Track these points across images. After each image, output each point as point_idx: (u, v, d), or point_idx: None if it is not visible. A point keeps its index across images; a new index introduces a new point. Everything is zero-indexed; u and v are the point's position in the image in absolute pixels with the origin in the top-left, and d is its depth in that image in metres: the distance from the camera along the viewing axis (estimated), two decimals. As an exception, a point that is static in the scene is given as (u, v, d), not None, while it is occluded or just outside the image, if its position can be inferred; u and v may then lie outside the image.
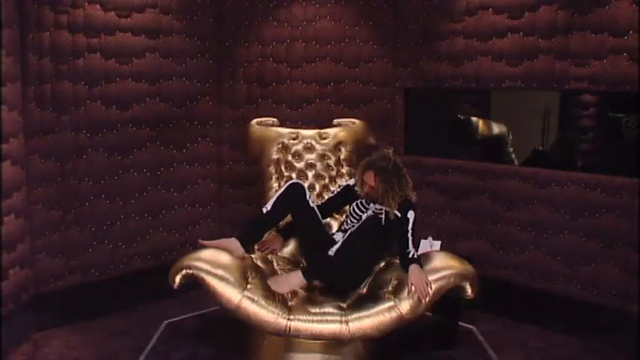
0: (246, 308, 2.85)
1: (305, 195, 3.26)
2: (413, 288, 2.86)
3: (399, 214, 3.07)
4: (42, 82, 3.61)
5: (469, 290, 2.94)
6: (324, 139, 3.90)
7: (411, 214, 3.07)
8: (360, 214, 3.25)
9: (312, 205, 3.28)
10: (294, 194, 3.24)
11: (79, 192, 3.84)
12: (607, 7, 3.50)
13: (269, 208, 3.21)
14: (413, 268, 2.93)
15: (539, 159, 4.10)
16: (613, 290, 3.59)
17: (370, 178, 3.12)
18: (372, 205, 3.21)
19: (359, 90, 4.49)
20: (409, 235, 3.05)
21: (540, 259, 3.87)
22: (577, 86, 3.69)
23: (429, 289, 2.86)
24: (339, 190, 3.50)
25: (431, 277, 2.91)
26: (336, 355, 3.05)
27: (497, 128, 4.52)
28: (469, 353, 3.56)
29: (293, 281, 3.08)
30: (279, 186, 3.70)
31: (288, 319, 2.86)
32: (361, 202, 3.27)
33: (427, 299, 2.86)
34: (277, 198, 3.23)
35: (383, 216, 3.08)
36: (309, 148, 3.86)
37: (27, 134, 3.58)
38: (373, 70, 4.46)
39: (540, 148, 4.22)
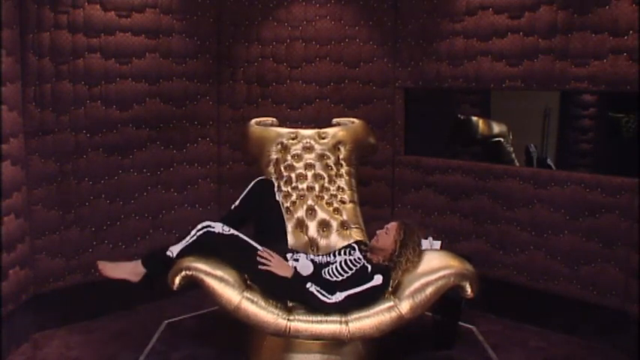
0: (245, 309, 2.85)
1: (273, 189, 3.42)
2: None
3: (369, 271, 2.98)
4: (42, 82, 3.61)
5: (469, 290, 2.94)
6: (324, 138, 3.89)
7: (377, 278, 2.92)
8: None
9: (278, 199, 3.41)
10: (264, 188, 3.39)
11: (79, 192, 3.84)
12: (607, 7, 3.50)
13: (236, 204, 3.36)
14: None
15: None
16: (613, 290, 3.59)
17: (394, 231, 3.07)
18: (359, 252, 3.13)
19: (359, 90, 4.48)
20: (355, 291, 2.89)
21: (540, 259, 3.87)
22: (577, 86, 3.69)
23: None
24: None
25: (431, 277, 2.91)
26: (336, 355, 3.05)
27: (497, 128, 4.53)
28: (469, 353, 3.56)
29: (129, 270, 3.12)
30: (279, 186, 3.70)
31: (288, 319, 2.86)
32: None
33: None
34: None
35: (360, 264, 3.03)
36: (309, 148, 3.85)
37: (27, 134, 3.58)
38: (373, 70, 4.46)
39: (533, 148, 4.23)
